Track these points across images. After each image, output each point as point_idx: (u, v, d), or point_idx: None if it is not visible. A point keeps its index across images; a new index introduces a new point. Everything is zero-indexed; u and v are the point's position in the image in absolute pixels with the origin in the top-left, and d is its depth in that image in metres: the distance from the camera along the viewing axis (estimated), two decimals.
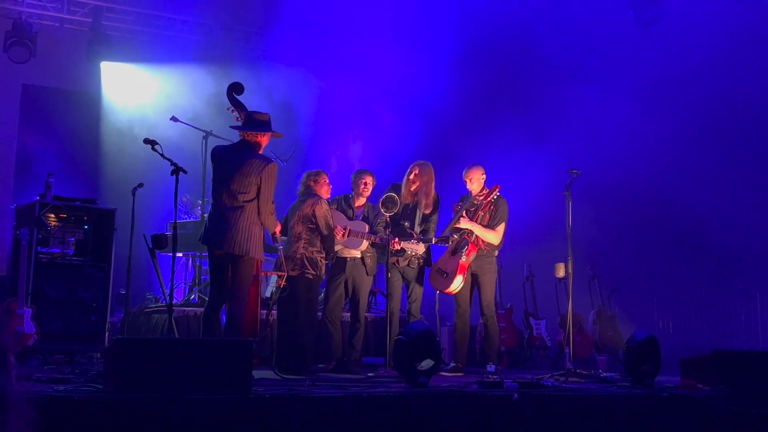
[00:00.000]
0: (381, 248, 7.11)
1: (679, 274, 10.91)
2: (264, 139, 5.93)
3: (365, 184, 7.20)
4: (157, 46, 11.63)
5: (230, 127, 6.27)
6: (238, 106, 6.16)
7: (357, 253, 7.08)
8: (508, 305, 9.25)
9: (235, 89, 6.19)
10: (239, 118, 6.08)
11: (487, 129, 11.32)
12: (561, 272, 8.64)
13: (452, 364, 7.19)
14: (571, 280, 7.05)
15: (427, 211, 7.38)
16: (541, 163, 10.08)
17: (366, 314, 7.52)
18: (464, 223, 7.15)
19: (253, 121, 5.90)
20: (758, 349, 9.32)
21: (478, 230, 7.15)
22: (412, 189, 7.31)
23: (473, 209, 7.23)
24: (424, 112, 11.02)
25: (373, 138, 10.97)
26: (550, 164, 9.54)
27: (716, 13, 10.03)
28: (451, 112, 11.21)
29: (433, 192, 7.39)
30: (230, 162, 5.81)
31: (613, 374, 6.49)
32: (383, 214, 7.01)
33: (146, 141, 6.11)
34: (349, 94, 11.44)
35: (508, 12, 10.60)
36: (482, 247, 7.19)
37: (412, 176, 7.35)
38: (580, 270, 8.38)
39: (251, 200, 5.71)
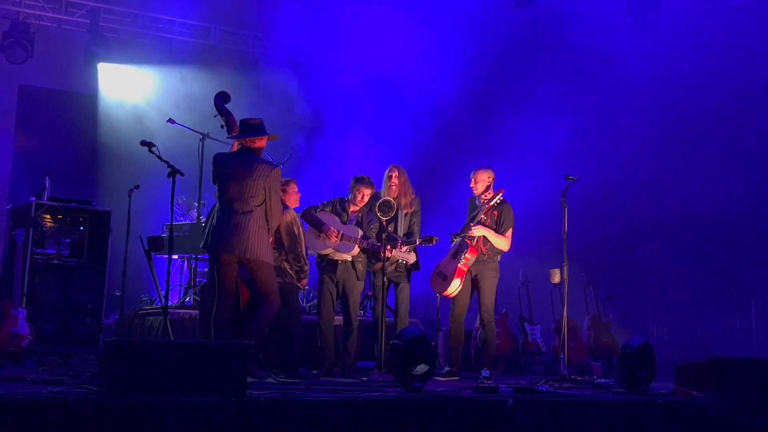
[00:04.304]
0: (372, 254, 7.12)
1: (674, 282, 10.94)
2: (263, 143, 6.08)
3: (363, 196, 7.18)
4: (154, 48, 11.64)
5: (228, 137, 6.31)
6: (225, 113, 6.28)
7: (348, 257, 7.07)
8: (504, 310, 9.25)
9: (222, 97, 6.34)
10: (224, 126, 6.25)
11: (483, 133, 11.34)
12: (556, 278, 8.64)
13: (447, 369, 7.18)
14: (566, 286, 7.05)
15: (409, 210, 7.39)
16: (537, 169, 10.09)
17: (359, 318, 7.52)
18: (477, 231, 7.08)
19: (250, 127, 6.04)
20: (753, 357, 9.35)
21: (491, 236, 7.11)
22: (393, 191, 7.32)
23: (476, 213, 7.21)
24: (422, 116, 11.04)
25: (371, 141, 10.98)
26: (546, 170, 9.56)
27: (713, 19, 10.08)
28: (448, 116, 11.23)
29: (411, 192, 7.41)
30: (238, 168, 5.92)
31: (607, 380, 6.49)
32: (376, 221, 7.08)
33: (143, 143, 6.12)
34: (348, 97, 11.45)
35: (508, 17, 10.63)
36: (483, 251, 7.16)
37: (393, 179, 7.36)
38: (575, 276, 8.39)
39: (260, 204, 5.89)
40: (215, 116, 6.34)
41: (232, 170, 5.94)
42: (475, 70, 10.94)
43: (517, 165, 10.33)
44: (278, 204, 6.07)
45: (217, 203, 6.11)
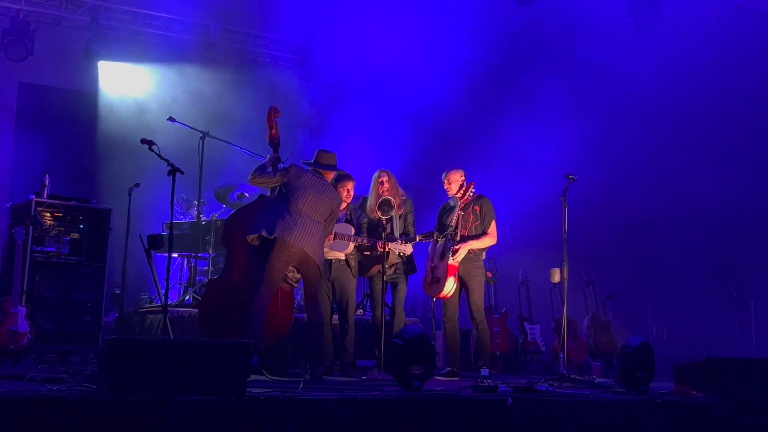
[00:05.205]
0: (367, 249, 7.14)
1: (674, 282, 10.93)
2: (331, 176, 6.71)
3: (348, 191, 7.21)
4: (154, 46, 11.63)
5: (306, 163, 6.66)
6: (276, 127, 6.55)
7: (342, 256, 7.08)
8: (503, 309, 9.25)
9: (275, 111, 6.55)
10: (269, 137, 6.55)
11: (483, 134, 11.33)
12: (556, 277, 8.64)
13: (447, 369, 7.18)
14: (566, 286, 7.04)
15: (400, 212, 7.41)
16: (537, 168, 10.09)
17: (359, 317, 7.52)
18: (462, 253, 7.10)
19: (329, 165, 6.65)
20: (752, 356, 9.35)
21: (474, 245, 7.17)
22: (385, 193, 7.34)
23: (453, 213, 7.24)
24: (422, 115, 11.03)
25: (372, 140, 10.97)
26: (546, 169, 9.55)
27: (714, 20, 10.06)
28: (447, 117, 11.22)
29: (401, 194, 7.45)
30: (318, 186, 6.42)
31: (607, 380, 6.49)
32: (364, 216, 7.18)
33: (143, 141, 6.12)
34: (348, 96, 11.45)
35: (509, 17, 10.63)
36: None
37: (384, 183, 7.39)
38: (575, 275, 8.38)
39: (326, 220, 6.47)
40: (267, 126, 6.50)
41: (312, 185, 6.38)
42: (476, 71, 10.93)
43: (517, 164, 10.33)
44: (333, 224, 6.72)
45: (271, 202, 6.37)
